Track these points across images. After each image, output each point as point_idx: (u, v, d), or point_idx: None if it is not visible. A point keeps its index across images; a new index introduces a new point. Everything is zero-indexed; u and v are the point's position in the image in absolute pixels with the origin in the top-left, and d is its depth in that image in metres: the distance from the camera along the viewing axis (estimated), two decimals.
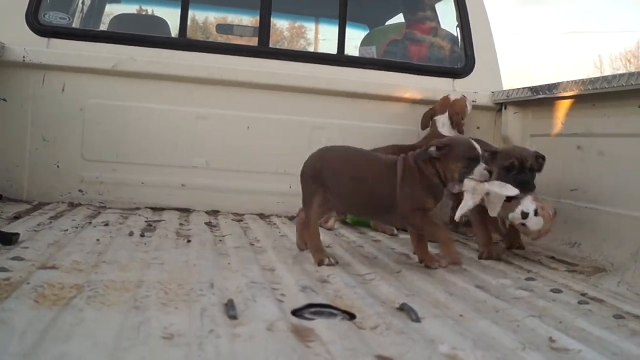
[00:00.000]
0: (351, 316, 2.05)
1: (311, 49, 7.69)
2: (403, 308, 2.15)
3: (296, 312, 2.05)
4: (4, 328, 1.67)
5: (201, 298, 2.11)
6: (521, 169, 3.25)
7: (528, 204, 3.13)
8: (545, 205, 3.18)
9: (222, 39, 6.54)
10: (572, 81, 3.76)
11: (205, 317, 1.90)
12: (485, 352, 1.70)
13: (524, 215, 3.12)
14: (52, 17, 4.37)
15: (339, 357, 1.62)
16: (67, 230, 3.26)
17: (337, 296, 2.30)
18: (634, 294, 2.58)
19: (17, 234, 2.87)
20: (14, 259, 2.50)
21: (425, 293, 2.44)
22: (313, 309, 2.10)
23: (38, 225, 3.33)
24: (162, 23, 5.22)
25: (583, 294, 2.62)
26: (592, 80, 3.55)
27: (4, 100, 4.13)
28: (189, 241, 3.22)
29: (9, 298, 1.95)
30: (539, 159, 3.34)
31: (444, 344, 1.77)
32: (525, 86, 4.27)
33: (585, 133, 3.74)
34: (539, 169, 3.33)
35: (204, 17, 7.33)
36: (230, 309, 1.98)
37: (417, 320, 2.04)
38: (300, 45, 8.95)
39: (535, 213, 3.12)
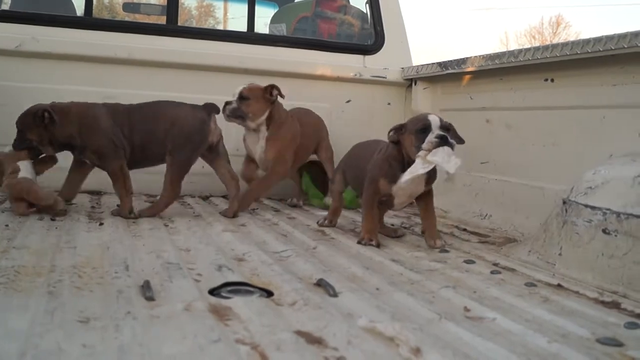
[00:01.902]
0: (269, 293, 2.07)
1: (220, 27, 7.63)
2: (320, 283, 2.18)
3: (213, 292, 2.06)
4: None
5: (116, 280, 2.09)
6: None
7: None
8: None
9: (129, 18, 6.41)
10: (479, 56, 3.86)
11: (121, 299, 1.89)
12: (403, 324, 1.74)
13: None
14: None
15: (258, 334, 1.64)
16: None
17: (254, 274, 2.32)
18: (544, 262, 2.67)
19: None
20: None
21: (341, 268, 2.48)
22: (230, 288, 2.12)
23: None
24: (65, 2, 5.07)
25: (495, 264, 2.71)
26: (499, 55, 3.66)
27: None
28: (101, 224, 3.17)
29: None
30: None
31: (362, 317, 1.80)
32: (434, 62, 4.36)
33: (493, 107, 3.86)
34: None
35: None
36: (146, 291, 1.97)
37: (335, 295, 2.07)
38: (209, 24, 8.88)
39: None
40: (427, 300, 2.08)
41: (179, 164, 3.49)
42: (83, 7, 4.53)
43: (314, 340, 1.63)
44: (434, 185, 3.08)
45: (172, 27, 4.54)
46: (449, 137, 2.78)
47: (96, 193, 4.25)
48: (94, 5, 4.58)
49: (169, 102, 3.66)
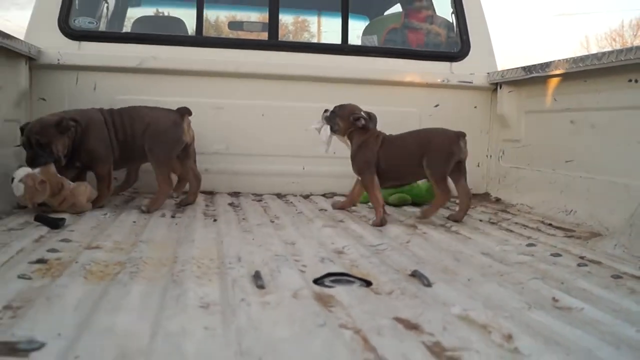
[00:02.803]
0: (367, 283, 2.08)
1: (314, 40, 7.69)
2: (415, 274, 2.18)
3: (317, 281, 2.09)
4: (60, 302, 1.72)
5: (230, 271, 2.15)
6: None
7: None
8: None
9: (233, 35, 6.55)
10: (563, 59, 3.76)
11: (235, 287, 1.94)
12: (494, 312, 1.73)
13: None
14: (82, 22, 4.39)
15: (359, 320, 1.66)
16: (106, 214, 3.31)
17: (354, 265, 2.33)
18: (630, 255, 2.60)
19: (63, 219, 2.92)
20: (62, 240, 2.56)
21: (434, 260, 2.47)
22: (332, 278, 2.14)
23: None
24: (179, 23, 5.23)
25: (581, 257, 2.63)
26: (583, 58, 3.55)
27: (44, 99, 4.16)
28: (215, 220, 3.26)
29: (62, 275, 1.99)
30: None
31: (455, 306, 1.80)
32: (518, 66, 4.28)
33: (577, 108, 3.74)
34: None
35: (215, 17, 7.36)
36: (257, 280, 2.02)
37: (429, 285, 2.07)
38: (304, 38, 8.95)
39: None
40: (517, 291, 2.04)
41: (157, 161, 3.59)
42: (194, 27, 4.66)
43: (411, 326, 1.63)
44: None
45: (273, 42, 4.61)
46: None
47: (209, 193, 4.36)
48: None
49: (145, 107, 3.75)
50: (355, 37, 5.57)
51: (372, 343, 1.49)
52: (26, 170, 3.18)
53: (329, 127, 3.65)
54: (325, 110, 3.69)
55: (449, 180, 3.44)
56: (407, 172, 3.53)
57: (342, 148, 3.98)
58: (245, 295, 1.85)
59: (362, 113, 3.60)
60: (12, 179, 3.15)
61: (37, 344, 1.40)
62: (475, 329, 1.62)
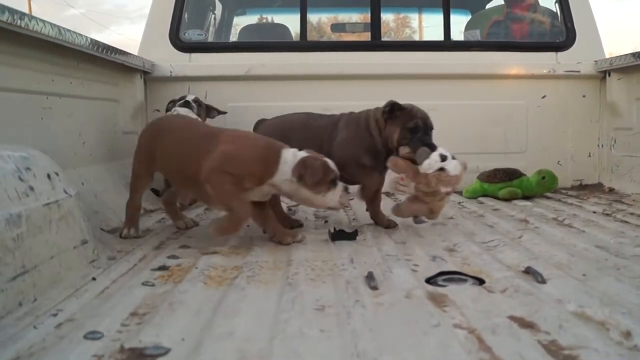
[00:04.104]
0: (480, 281, 2.06)
1: (416, 37, 7.63)
2: (528, 271, 2.13)
3: (429, 280, 2.08)
4: (182, 307, 1.79)
5: (344, 272, 2.17)
6: (425, 130, 3.01)
7: (441, 150, 2.89)
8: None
9: (335, 37, 6.60)
10: None
11: (350, 289, 1.96)
12: (612, 308, 1.67)
13: (443, 158, 2.84)
14: (191, 34, 4.56)
15: (473, 319, 1.64)
16: None
17: (465, 263, 2.31)
18: None
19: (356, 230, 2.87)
20: (181, 247, 2.66)
21: (547, 256, 2.40)
22: (444, 277, 2.13)
23: (196, 216, 3.50)
24: (283, 29, 5.33)
25: None
26: None
27: (158, 110, 4.34)
28: (326, 222, 3.30)
29: (183, 281, 2.07)
30: None
31: (571, 303, 1.75)
32: (627, 52, 4.10)
33: None
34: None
35: (318, 19, 7.42)
36: (370, 281, 2.03)
37: (543, 281, 2.02)
38: (405, 34, 8.88)
39: (453, 157, 2.87)
40: (635, 285, 1.96)
41: None
42: (298, 32, 4.73)
43: (526, 324, 1.60)
44: None
45: (377, 42, 4.61)
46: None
47: None
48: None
49: None
50: (458, 32, 5.50)
51: (487, 343, 1.48)
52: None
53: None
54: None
55: None
56: None
57: (448, 144, 3.94)
58: (359, 296, 1.87)
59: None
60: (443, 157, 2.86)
61: (163, 350, 1.46)
62: (592, 326, 1.57)
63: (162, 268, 2.27)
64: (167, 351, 1.46)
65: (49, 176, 2.06)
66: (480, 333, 1.54)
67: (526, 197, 4.03)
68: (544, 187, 4.08)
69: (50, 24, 2.74)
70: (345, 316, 1.69)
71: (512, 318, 1.65)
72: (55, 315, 1.72)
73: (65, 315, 1.73)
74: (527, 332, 1.54)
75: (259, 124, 3.45)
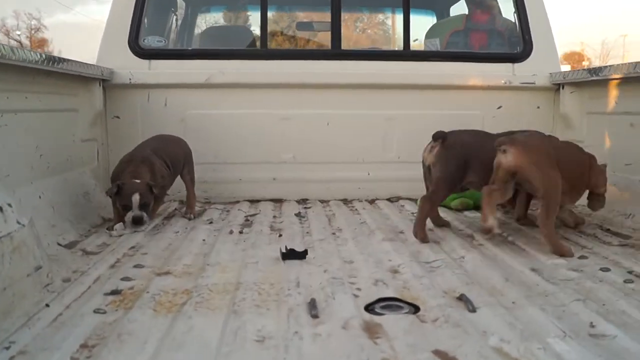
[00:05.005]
0: (416, 309, 2.22)
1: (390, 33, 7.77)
2: (462, 298, 2.29)
3: (368, 307, 2.24)
4: (131, 339, 1.92)
5: (288, 298, 2.31)
6: None
7: None
8: None
9: (301, 40, 6.70)
10: (624, 64, 3.77)
11: (291, 318, 2.10)
12: (528, 344, 1.84)
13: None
14: (151, 41, 4.64)
15: (401, 354, 1.80)
16: (178, 232, 3.53)
17: (405, 288, 2.46)
18: None
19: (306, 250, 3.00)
20: (136, 266, 2.78)
21: (484, 279, 2.57)
22: (383, 303, 2.28)
23: (155, 228, 3.63)
24: (246, 32, 5.44)
25: (630, 272, 2.69)
26: None
27: (118, 117, 4.44)
28: (280, 235, 3.44)
29: (134, 307, 2.21)
30: None
31: (494, 336, 1.91)
32: (582, 69, 4.29)
33: (637, 111, 3.75)
34: None
35: (281, 18, 7.51)
36: (312, 309, 2.18)
37: (473, 310, 2.18)
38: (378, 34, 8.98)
39: None
40: (557, 315, 2.13)
41: None
42: (259, 38, 4.85)
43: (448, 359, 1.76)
44: None
45: (336, 51, 4.72)
46: None
47: (278, 200, 4.56)
48: (269, 29, 4.89)
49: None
50: (422, 33, 5.64)
51: None
52: None
53: None
54: None
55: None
56: None
57: (405, 152, 4.15)
58: (299, 327, 2.02)
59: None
60: None
61: None
62: None
63: (115, 292, 2.39)
64: None
65: (1, 209, 2.17)
66: None
67: (478, 208, 4.21)
68: None
69: (2, 45, 2.81)
70: (282, 350, 1.83)
71: (436, 353, 1.81)
72: (7, 348, 1.84)
73: (17, 347, 1.85)
74: None
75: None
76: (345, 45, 5.06)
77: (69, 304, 2.26)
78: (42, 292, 2.33)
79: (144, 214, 3.53)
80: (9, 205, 2.23)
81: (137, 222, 3.50)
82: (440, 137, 3.41)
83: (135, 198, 3.48)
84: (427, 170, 3.49)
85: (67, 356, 1.79)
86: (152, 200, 3.62)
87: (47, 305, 2.21)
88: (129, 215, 3.50)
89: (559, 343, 1.88)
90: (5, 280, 2.08)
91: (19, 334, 1.96)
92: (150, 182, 3.60)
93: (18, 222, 2.24)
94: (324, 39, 5.65)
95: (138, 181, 3.56)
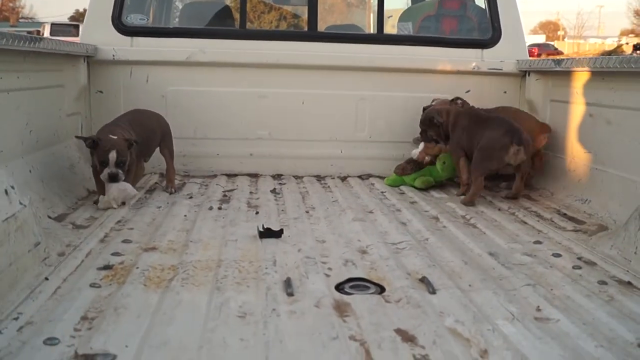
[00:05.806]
0: (381, 289, 2.47)
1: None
2: (423, 281, 2.55)
3: (338, 287, 2.49)
4: (125, 312, 2.15)
5: (266, 277, 2.55)
6: None
7: None
8: None
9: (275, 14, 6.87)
10: (584, 58, 4.05)
11: (269, 295, 2.35)
12: (479, 326, 2.11)
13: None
14: (133, 18, 4.80)
15: (367, 331, 2.05)
16: (160, 207, 3.75)
17: (372, 269, 2.71)
18: (622, 258, 2.90)
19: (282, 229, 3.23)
20: (124, 242, 3.00)
21: (445, 262, 2.82)
22: (351, 283, 2.54)
23: (138, 202, 3.84)
24: (226, 11, 5.60)
25: (579, 258, 2.96)
26: (603, 60, 3.81)
27: (101, 92, 4.62)
28: (257, 213, 3.67)
29: (126, 283, 2.43)
30: None
31: (450, 317, 2.18)
32: (546, 58, 4.55)
33: (595, 103, 4.02)
34: None
35: None
36: (288, 287, 2.42)
37: (433, 292, 2.43)
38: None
39: None
40: (508, 299, 2.38)
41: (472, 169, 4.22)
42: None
43: (408, 338, 2.02)
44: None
45: (313, 33, 4.93)
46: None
47: (254, 175, 4.81)
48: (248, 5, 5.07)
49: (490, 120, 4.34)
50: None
51: (372, 356, 1.89)
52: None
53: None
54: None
55: None
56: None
57: (376, 132, 4.43)
58: (276, 304, 2.26)
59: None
60: None
61: (110, 357, 1.83)
62: (459, 343, 2.00)
63: (107, 267, 2.61)
64: (113, 358, 1.83)
65: (6, 192, 2.37)
66: (369, 346, 1.95)
67: (441, 185, 4.50)
68: (448, 171, 4.52)
69: None
70: (262, 326, 2.08)
71: (397, 331, 2.06)
72: (16, 319, 2.06)
73: (25, 318, 2.07)
74: (407, 346, 1.96)
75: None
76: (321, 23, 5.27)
77: (65, 277, 2.47)
78: (41, 266, 2.54)
79: (120, 172, 3.60)
80: (12, 187, 2.43)
81: (113, 179, 3.60)
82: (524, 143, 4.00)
83: (113, 155, 3.57)
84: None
85: (70, 327, 2.01)
86: (128, 158, 3.69)
87: (47, 279, 2.43)
88: (104, 172, 3.58)
89: (506, 325, 2.15)
90: (11, 257, 2.29)
91: (24, 305, 2.18)
92: (128, 138, 3.70)
93: (20, 203, 2.45)
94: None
95: (115, 137, 3.66)
